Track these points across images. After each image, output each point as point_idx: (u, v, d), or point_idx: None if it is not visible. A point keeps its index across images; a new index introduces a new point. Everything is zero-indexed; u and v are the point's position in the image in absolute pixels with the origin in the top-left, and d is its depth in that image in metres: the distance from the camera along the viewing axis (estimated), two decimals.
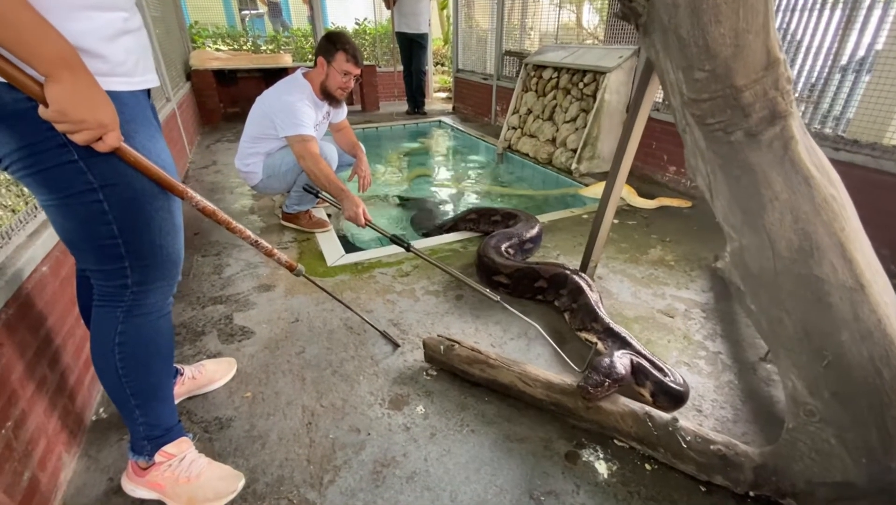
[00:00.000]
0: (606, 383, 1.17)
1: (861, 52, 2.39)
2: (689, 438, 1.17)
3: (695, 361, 1.61)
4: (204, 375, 1.35)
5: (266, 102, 2.15)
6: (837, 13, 2.42)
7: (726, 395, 1.47)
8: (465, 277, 1.71)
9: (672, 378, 1.34)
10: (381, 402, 1.42)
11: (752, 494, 1.13)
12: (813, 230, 1.03)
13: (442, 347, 1.48)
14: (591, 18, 6.42)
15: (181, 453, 1.01)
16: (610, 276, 2.17)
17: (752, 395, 1.47)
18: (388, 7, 5.63)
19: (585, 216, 2.87)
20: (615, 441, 1.25)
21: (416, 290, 1.94)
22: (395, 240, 1.79)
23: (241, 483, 1.07)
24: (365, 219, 1.89)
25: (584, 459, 1.19)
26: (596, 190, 3.29)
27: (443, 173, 4.08)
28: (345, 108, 2.48)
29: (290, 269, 1.29)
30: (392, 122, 5.67)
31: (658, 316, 1.86)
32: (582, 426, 1.28)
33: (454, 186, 3.72)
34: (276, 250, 1.20)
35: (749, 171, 1.08)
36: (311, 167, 2.05)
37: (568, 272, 1.90)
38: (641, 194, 3.18)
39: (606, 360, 1.24)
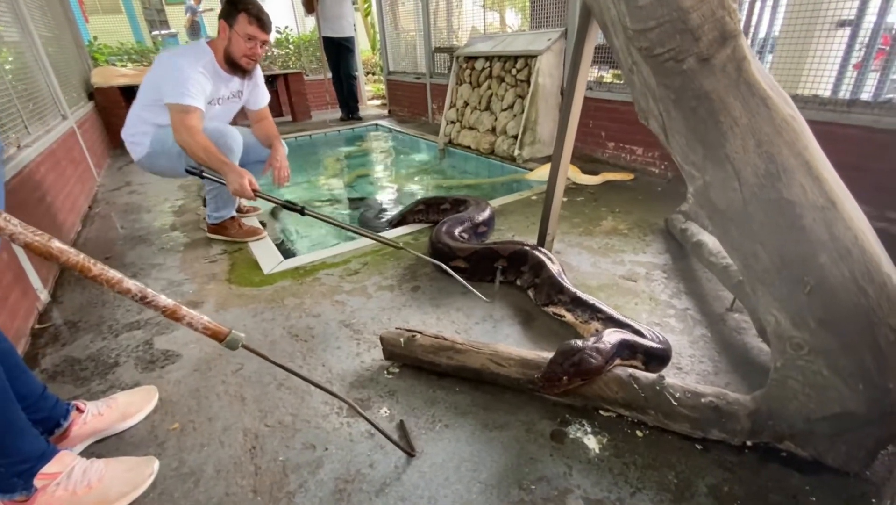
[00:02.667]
0: (565, 378, 1.07)
1: (762, 34, 2.53)
2: (678, 395, 1.10)
3: (665, 320, 1.59)
4: (115, 409, 1.11)
5: (158, 65, 1.90)
6: None
7: (702, 348, 1.44)
8: (391, 241, 1.74)
9: (654, 338, 1.28)
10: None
11: (749, 443, 1.07)
12: (777, 152, 0.98)
13: (402, 340, 1.34)
14: (515, 20, 6.55)
15: (66, 467, 0.92)
16: (567, 249, 2.14)
17: (726, 345, 1.45)
18: (309, 12, 5.43)
19: (534, 197, 2.85)
20: (601, 412, 1.18)
21: (368, 287, 1.83)
22: (287, 206, 1.80)
23: (156, 465, 1.03)
24: (252, 189, 1.80)
25: (571, 436, 1.12)
26: (541, 173, 3.28)
27: (385, 173, 3.97)
28: (265, 94, 2.26)
29: (218, 338, 0.90)
30: (326, 129, 5.46)
31: (621, 282, 1.84)
32: (564, 401, 1.21)
33: (398, 184, 3.62)
34: (188, 314, 0.87)
35: (705, 100, 1.02)
36: (186, 139, 1.82)
37: (527, 248, 1.83)
38: (585, 172, 3.22)
39: (576, 351, 1.11)
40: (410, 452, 1.07)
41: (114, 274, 0.75)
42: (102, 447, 1.14)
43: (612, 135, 3.43)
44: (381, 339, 1.40)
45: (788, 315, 0.99)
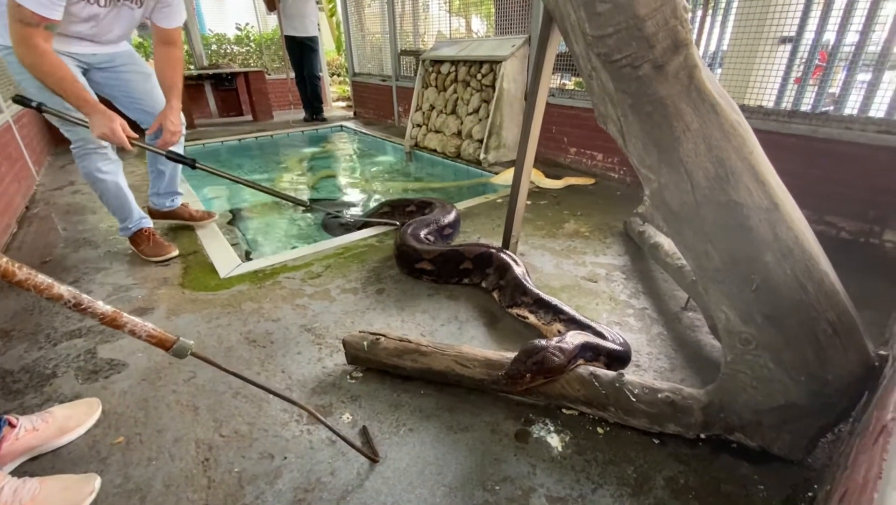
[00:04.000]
0: (528, 376, 1.08)
1: (712, 48, 2.68)
2: (637, 392, 1.13)
3: (625, 319, 1.63)
4: (52, 424, 1.03)
5: None
6: (699, 13, 2.68)
7: (659, 346, 1.49)
8: (296, 198, 1.81)
9: (615, 340, 1.32)
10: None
11: (703, 436, 1.11)
12: (726, 156, 1.03)
13: (365, 344, 1.32)
14: (480, 26, 6.63)
15: None
16: (531, 251, 2.17)
17: (682, 343, 1.50)
18: (271, 10, 5.29)
19: (500, 200, 2.88)
20: (563, 410, 1.20)
21: (331, 290, 1.79)
22: (175, 157, 1.69)
23: (97, 482, 0.98)
24: (127, 136, 1.50)
25: (535, 435, 1.13)
26: (506, 177, 3.32)
27: (351, 175, 3.90)
28: (180, 9, 1.67)
29: (164, 346, 0.84)
30: (289, 130, 5.32)
31: (582, 283, 1.88)
32: (528, 401, 1.22)
33: (364, 186, 3.57)
34: (129, 321, 0.79)
35: (659, 105, 1.05)
36: (30, 59, 1.31)
37: (492, 250, 1.85)
38: (548, 176, 3.29)
39: (539, 350, 1.12)
40: (373, 458, 1.04)
41: (43, 279, 0.68)
42: (37, 465, 1.05)
43: (574, 140, 3.52)
44: (344, 343, 1.36)
45: (737, 311, 1.04)
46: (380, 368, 1.31)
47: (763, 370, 1.02)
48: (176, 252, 2.03)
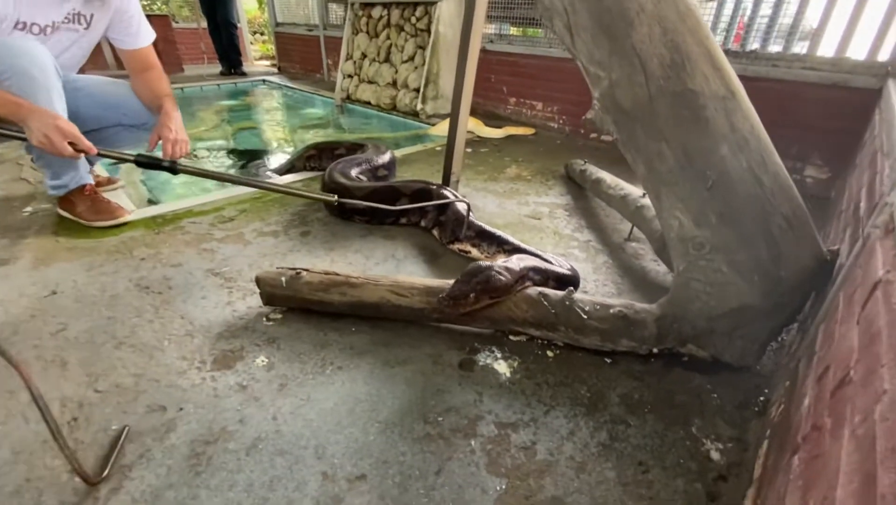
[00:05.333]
0: (472, 296, 1.03)
1: None
2: (587, 308, 1.06)
3: (570, 251, 1.61)
4: None
5: None
6: None
7: (605, 273, 1.47)
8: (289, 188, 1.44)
9: (560, 264, 1.29)
10: (201, 364, 1.01)
11: (655, 350, 1.07)
12: (682, 40, 0.94)
13: (284, 279, 1.18)
14: None
15: None
16: (473, 194, 2.11)
17: (627, 270, 1.50)
18: None
19: (439, 148, 2.78)
20: (511, 337, 1.16)
21: (246, 234, 1.64)
22: (147, 163, 1.37)
23: None
24: (72, 141, 1.26)
25: (480, 364, 1.07)
26: (444, 128, 3.18)
27: (274, 128, 3.58)
28: (145, 29, 1.59)
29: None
30: (202, 83, 4.77)
31: (526, 220, 1.86)
32: (472, 330, 1.16)
33: (289, 136, 3.30)
34: None
35: None
36: None
37: (433, 187, 1.73)
38: (488, 126, 3.21)
39: (483, 269, 1.07)
40: (88, 480, 0.74)
41: None
42: None
43: (514, 89, 3.43)
44: (258, 280, 1.18)
45: (691, 214, 0.98)
46: (302, 307, 1.20)
47: (716, 274, 0.98)
48: (129, 215, 1.65)
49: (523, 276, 1.12)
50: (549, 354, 1.09)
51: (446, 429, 0.88)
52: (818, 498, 0.43)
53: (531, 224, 1.80)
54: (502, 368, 1.05)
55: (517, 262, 1.14)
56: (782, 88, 2.16)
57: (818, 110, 2.10)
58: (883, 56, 1.96)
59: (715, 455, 0.85)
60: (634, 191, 1.69)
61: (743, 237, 0.94)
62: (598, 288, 1.38)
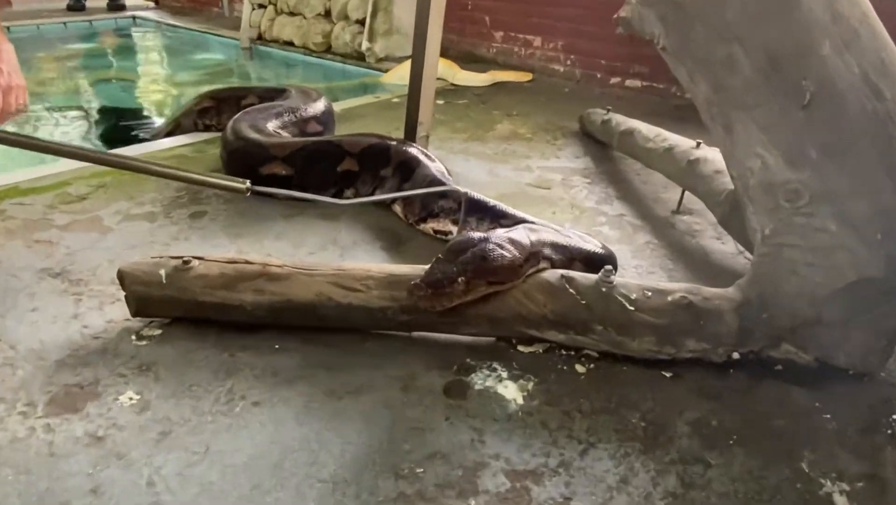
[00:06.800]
0: (460, 281, 1.00)
1: None
2: (634, 296, 1.02)
3: (597, 229, 1.60)
4: None
5: None
6: None
7: (649, 257, 1.47)
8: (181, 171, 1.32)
9: (588, 242, 1.29)
10: (28, 408, 0.96)
11: (736, 355, 1.04)
12: None
13: (164, 273, 1.15)
14: None
15: None
16: (451, 156, 2.10)
17: (679, 251, 1.50)
18: None
19: (396, 100, 2.77)
20: (521, 347, 1.15)
21: (105, 217, 1.64)
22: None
23: None
24: None
25: (477, 387, 1.05)
26: (402, 73, 3.13)
27: (150, 79, 3.52)
28: None
29: None
30: (40, 20, 4.61)
31: (530, 190, 1.87)
32: (462, 339, 1.14)
33: (173, 92, 3.22)
34: None
35: None
36: None
37: (390, 143, 1.71)
38: (466, 70, 3.20)
39: (476, 242, 1.06)
40: None
41: None
42: None
43: (501, 21, 3.44)
44: (122, 276, 1.11)
45: (780, 149, 0.95)
46: (195, 316, 1.16)
47: (821, 235, 0.95)
48: None
49: (536, 253, 1.09)
50: (580, 368, 1.08)
51: (430, 485, 0.83)
52: None
53: (537, 195, 1.81)
54: (510, 391, 1.02)
55: (526, 233, 1.11)
56: None
57: None
58: None
59: (840, 500, 0.83)
60: (683, 141, 1.69)
61: (858, 178, 0.92)
62: (641, 277, 1.37)
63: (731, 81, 0.99)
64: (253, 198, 1.65)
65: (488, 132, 2.39)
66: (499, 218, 1.43)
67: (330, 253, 1.44)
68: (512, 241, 1.05)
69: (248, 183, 1.33)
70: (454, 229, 1.48)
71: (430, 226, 1.53)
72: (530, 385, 1.03)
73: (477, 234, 1.06)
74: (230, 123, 1.81)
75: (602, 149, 2.19)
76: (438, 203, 1.51)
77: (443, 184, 1.51)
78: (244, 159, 1.69)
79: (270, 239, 1.48)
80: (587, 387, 1.03)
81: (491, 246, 1.02)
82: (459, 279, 0.99)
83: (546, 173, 1.97)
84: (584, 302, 1.03)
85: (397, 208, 1.63)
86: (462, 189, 1.48)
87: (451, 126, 2.44)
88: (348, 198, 1.69)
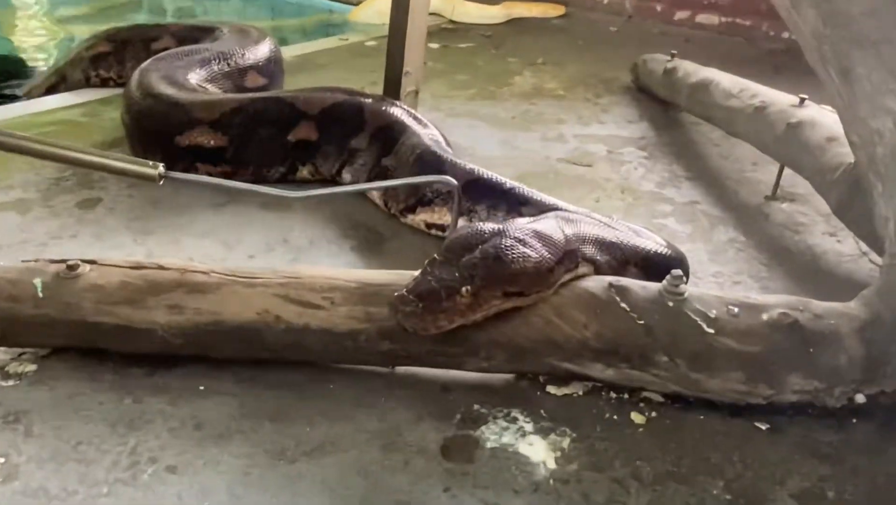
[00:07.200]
0: (465, 291, 1.03)
1: None
2: (714, 314, 1.03)
3: (659, 222, 1.62)
4: None
5: None
6: None
7: (734, 261, 1.49)
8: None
9: (647, 237, 1.34)
10: None
11: (862, 398, 1.05)
12: None
13: (39, 283, 1.17)
14: None
15: None
16: (449, 120, 2.13)
17: (778, 252, 1.52)
18: None
19: (372, 43, 2.85)
20: (549, 388, 1.17)
21: None
22: None
23: None
24: None
25: (488, 445, 1.07)
26: (379, 6, 3.16)
27: (23, 13, 3.66)
28: None
29: None
30: None
31: (563, 167, 1.89)
32: (467, 377, 1.18)
33: (57, 29, 3.36)
34: None
35: None
36: None
37: (364, 100, 1.76)
38: (472, 1, 3.30)
39: (488, 235, 1.10)
40: None
41: None
42: None
43: None
44: None
45: None
46: (85, 345, 1.21)
47: None
48: None
49: (573, 252, 1.11)
50: (637, 418, 1.10)
51: None
52: None
53: (573, 174, 1.82)
54: (538, 451, 1.04)
55: (558, 224, 1.13)
56: None
57: None
58: None
59: None
60: (780, 98, 1.70)
61: None
62: (722, 288, 1.38)
63: (848, 6, 1.00)
64: (167, 183, 1.71)
65: (502, 88, 2.40)
66: (518, 205, 1.46)
67: (278, 256, 1.48)
68: (539, 235, 1.07)
69: (160, 167, 1.37)
70: (460, 221, 1.48)
71: (420, 217, 1.55)
72: (566, 442, 1.05)
73: (489, 225, 1.07)
74: (136, 75, 1.85)
75: (664, 110, 2.20)
76: (432, 185, 1.53)
77: (440, 161, 1.55)
78: (156, 125, 1.73)
79: (193, 237, 1.53)
80: (647, 444, 1.04)
81: (509, 242, 1.04)
82: (464, 289, 1.00)
83: (585, 144, 1.99)
84: (642, 322, 1.05)
85: (374, 193, 1.66)
86: (468, 165, 1.52)
87: (451, 79, 2.46)
88: (305, 178, 1.73)
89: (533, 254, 1.04)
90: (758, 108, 1.71)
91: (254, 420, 1.09)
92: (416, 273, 1.10)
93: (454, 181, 1.46)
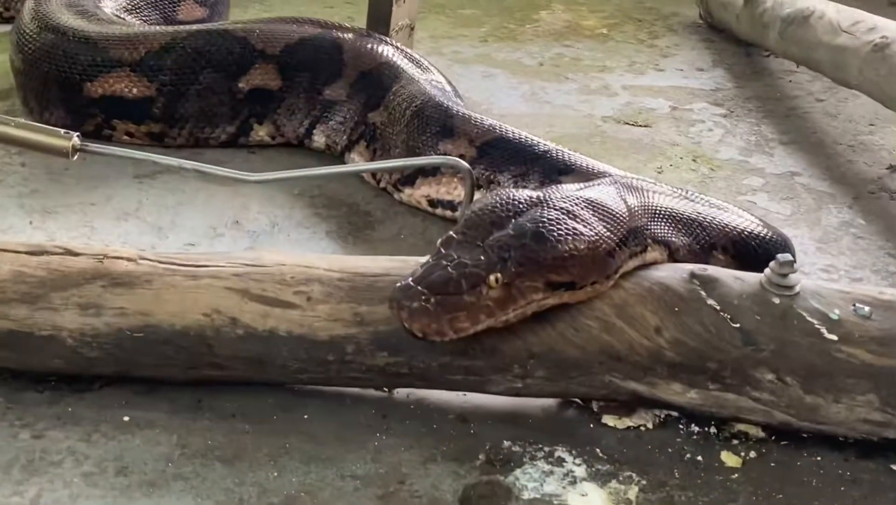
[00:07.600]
0: (491, 281, 1.05)
1: None
2: (838, 314, 1.04)
3: (745, 199, 1.65)
4: None
5: None
6: None
7: (850, 249, 1.51)
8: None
9: (736, 214, 1.37)
10: None
11: None
12: None
13: None
14: None
15: None
16: (456, 69, 2.16)
17: None
18: None
19: None
20: (607, 418, 1.20)
21: None
22: None
23: None
24: None
25: (525, 496, 1.09)
26: None
27: None
28: None
29: None
30: None
31: (611, 128, 1.92)
32: (496, 400, 1.22)
33: None
34: None
35: None
36: None
37: (340, 35, 1.78)
38: None
39: (523, 205, 1.13)
40: None
41: None
42: None
43: None
44: None
45: None
46: None
47: None
48: None
49: (639, 230, 1.12)
50: (730, 459, 1.12)
51: None
52: None
53: (625, 137, 1.85)
54: (593, 503, 1.06)
55: (618, 191, 1.14)
56: None
57: None
58: None
59: None
60: None
61: None
62: (834, 280, 1.40)
63: None
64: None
65: (525, 25, 2.46)
66: (557, 174, 1.47)
67: (228, 244, 1.49)
68: (593, 207, 1.08)
69: (75, 137, 1.42)
70: (477, 193, 1.51)
71: (421, 192, 1.57)
72: (632, 492, 1.07)
73: (525, 193, 1.07)
74: (30, 3, 1.87)
75: (746, 53, 2.24)
76: (440, 144, 1.56)
77: (448, 115, 1.56)
78: (58, 69, 1.74)
79: (110, 219, 1.54)
80: (745, 494, 1.06)
81: (553, 214, 1.06)
82: (492, 278, 1.03)
83: (640, 99, 2.02)
84: (737, 326, 1.06)
85: (356, 157, 1.70)
86: (486, 120, 1.52)
87: (456, 14, 2.50)
88: (263, 141, 1.77)
89: (586, 231, 1.05)
90: (877, 47, 1.71)
91: (199, 462, 1.11)
92: (426, 258, 1.08)
93: (465, 165, 1.49)
